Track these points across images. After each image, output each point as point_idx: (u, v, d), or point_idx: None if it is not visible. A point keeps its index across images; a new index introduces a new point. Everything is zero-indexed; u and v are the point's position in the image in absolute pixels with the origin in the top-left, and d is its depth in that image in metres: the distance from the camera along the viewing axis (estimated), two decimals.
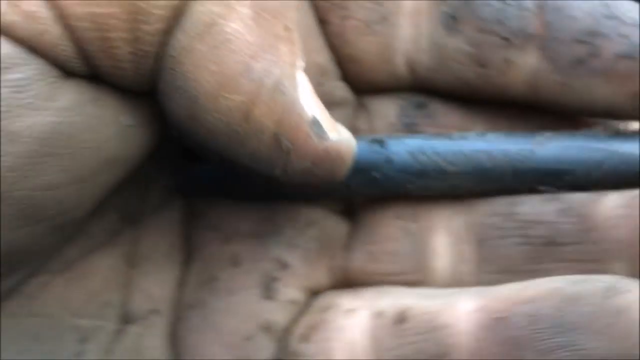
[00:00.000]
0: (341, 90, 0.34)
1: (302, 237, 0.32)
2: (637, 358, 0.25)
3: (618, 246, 0.28)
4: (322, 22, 0.33)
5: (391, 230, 0.32)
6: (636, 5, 0.31)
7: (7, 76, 0.23)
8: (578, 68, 0.30)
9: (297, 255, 0.32)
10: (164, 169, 0.33)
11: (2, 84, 0.23)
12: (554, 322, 0.26)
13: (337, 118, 0.31)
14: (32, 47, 0.24)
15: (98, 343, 0.30)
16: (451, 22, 0.32)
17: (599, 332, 0.25)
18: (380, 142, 0.31)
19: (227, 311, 0.31)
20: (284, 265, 0.31)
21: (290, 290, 0.31)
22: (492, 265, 0.30)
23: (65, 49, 0.24)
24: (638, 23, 0.30)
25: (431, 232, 0.32)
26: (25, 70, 0.24)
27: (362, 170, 0.31)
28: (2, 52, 0.23)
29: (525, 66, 0.31)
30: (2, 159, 0.24)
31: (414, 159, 0.31)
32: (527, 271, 0.29)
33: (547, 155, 0.30)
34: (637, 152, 0.30)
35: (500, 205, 0.31)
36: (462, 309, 0.27)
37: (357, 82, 0.34)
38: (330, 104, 0.31)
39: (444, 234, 0.32)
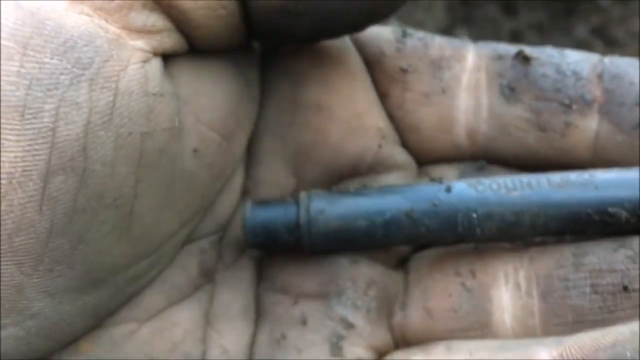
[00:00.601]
0: (401, 155, 0.35)
1: (364, 298, 0.33)
2: None
3: None
4: (383, 95, 0.35)
5: (449, 286, 0.32)
6: None
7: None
8: None
9: (361, 315, 0.33)
10: (235, 222, 0.35)
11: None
12: None
13: (398, 181, 0.34)
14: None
15: None
16: (510, 92, 0.34)
17: None
18: (439, 179, 0.32)
19: None
20: (349, 325, 0.33)
21: (357, 349, 0.32)
22: (560, 318, 0.30)
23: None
24: None
25: (492, 286, 0.32)
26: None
27: (421, 198, 0.31)
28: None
29: (587, 129, 0.33)
30: None
31: (472, 188, 0.31)
32: (598, 321, 0.30)
33: (606, 180, 0.31)
34: None
35: (565, 255, 0.31)
36: (542, 359, 0.28)
37: (417, 150, 0.35)
38: (390, 166, 0.34)
39: (507, 288, 0.32)
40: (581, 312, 0.30)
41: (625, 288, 0.30)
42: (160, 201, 0.29)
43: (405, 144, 0.35)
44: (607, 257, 0.31)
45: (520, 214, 0.31)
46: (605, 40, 1.14)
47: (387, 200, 0.32)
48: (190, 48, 0.31)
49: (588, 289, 0.30)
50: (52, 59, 0.25)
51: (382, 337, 0.33)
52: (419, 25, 1.19)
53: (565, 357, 0.27)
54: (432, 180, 0.33)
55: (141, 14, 0.28)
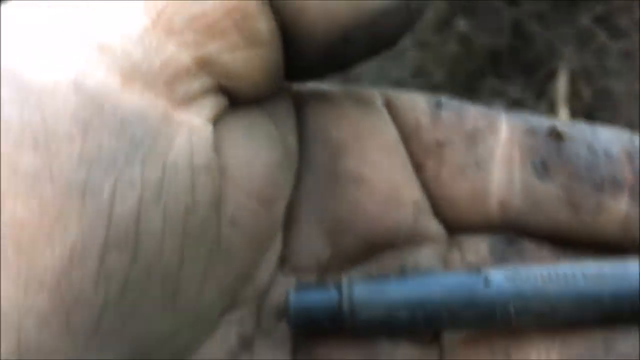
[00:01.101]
0: (435, 226, 0.36)
1: None
2: None
3: None
4: (418, 166, 0.36)
5: None
6: None
7: None
8: None
9: None
10: (274, 291, 0.35)
11: None
12: None
13: (432, 253, 0.35)
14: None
15: None
16: (542, 169, 0.35)
17: None
18: (477, 269, 0.33)
19: None
20: None
21: None
22: None
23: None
24: None
25: None
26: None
27: (461, 292, 0.33)
28: None
29: (618, 210, 0.33)
30: None
31: (509, 281, 0.32)
32: None
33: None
34: None
35: (597, 339, 0.32)
36: None
37: (450, 221, 0.36)
38: (425, 238, 0.35)
39: None
40: None
41: None
42: (202, 272, 0.30)
43: (438, 215, 0.36)
44: (636, 344, 0.32)
45: (555, 309, 0.32)
46: (608, 30, 1.14)
47: (427, 292, 0.33)
48: (232, 104, 0.31)
49: None
50: (109, 139, 0.27)
51: None
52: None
53: None
54: (469, 268, 0.34)
55: (185, 81, 0.29)
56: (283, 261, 0.35)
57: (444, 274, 0.34)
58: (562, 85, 1.17)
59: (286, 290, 0.34)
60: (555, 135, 0.35)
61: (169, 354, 0.31)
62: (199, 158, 0.29)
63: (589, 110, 1.17)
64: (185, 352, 0.32)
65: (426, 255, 0.35)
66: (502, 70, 1.21)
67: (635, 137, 0.35)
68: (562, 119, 0.34)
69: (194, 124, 0.29)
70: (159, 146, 0.28)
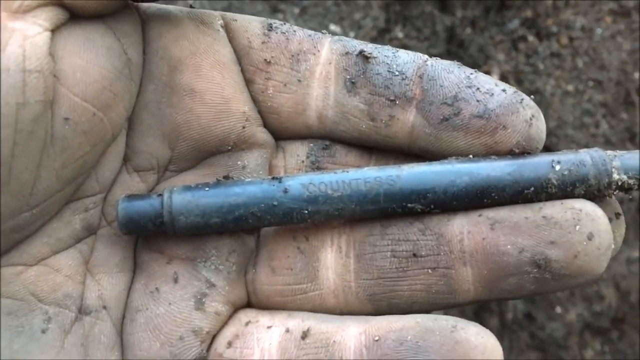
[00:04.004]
0: (262, 134, 0.42)
1: (225, 263, 0.41)
2: None
3: (463, 255, 0.37)
4: (249, 81, 0.42)
5: (288, 249, 0.41)
6: (491, 78, 0.40)
7: None
8: (444, 124, 0.39)
9: (222, 277, 0.40)
10: (118, 185, 0.41)
11: None
12: (412, 345, 0.36)
13: (259, 157, 0.42)
14: None
15: (59, 324, 0.37)
16: (351, 86, 0.41)
17: (443, 355, 0.35)
18: (278, 179, 0.39)
19: (166, 316, 0.39)
20: (211, 285, 0.40)
21: (216, 305, 0.40)
22: (368, 274, 0.39)
23: None
24: (491, 92, 0.39)
25: (320, 249, 0.40)
26: None
27: (264, 199, 0.39)
28: None
29: (406, 121, 0.40)
30: None
31: (305, 189, 0.39)
32: (395, 277, 0.39)
33: (410, 178, 0.38)
34: (482, 171, 0.38)
35: (374, 227, 0.40)
36: (350, 332, 0.37)
37: (276, 130, 0.43)
38: (252, 144, 0.41)
39: (331, 250, 0.40)
40: (383, 271, 0.38)
41: (414, 255, 0.38)
42: (37, 161, 0.34)
43: (266, 125, 0.42)
44: (404, 229, 0.39)
45: (342, 210, 0.39)
46: (537, 32, 1.18)
47: (235, 200, 0.39)
48: (74, 17, 0.35)
49: (389, 254, 0.39)
50: None
51: (239, 294, 0.41)
52: (358, 24, 1.20)
53: (366, 332, 0.36)
54: (274, 178, 0.39)
55: None
56: (126, 161, 0.41)
57: (251, 183, 0.40)
58: None
59: (116, 200, 0.40)
60: (363, 57, 0.41)
61: (9, 230, 0.36)
62: (31, 62, 0.33)
63: None
64: (26, 228, 0.37)
65: (253, 160, 0.42)
66: None
67: (430, 60, 0.41)
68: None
69: (28, 32, 0.33)
70: None
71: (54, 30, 0.34)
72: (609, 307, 1.14)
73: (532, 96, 0.39)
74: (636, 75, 1.13)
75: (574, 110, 1.14)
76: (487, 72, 1.22)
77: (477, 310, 1.12)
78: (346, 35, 1.11)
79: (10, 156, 0.33)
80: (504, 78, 1.17)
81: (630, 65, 1.14)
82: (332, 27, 1.19)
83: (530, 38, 1.18)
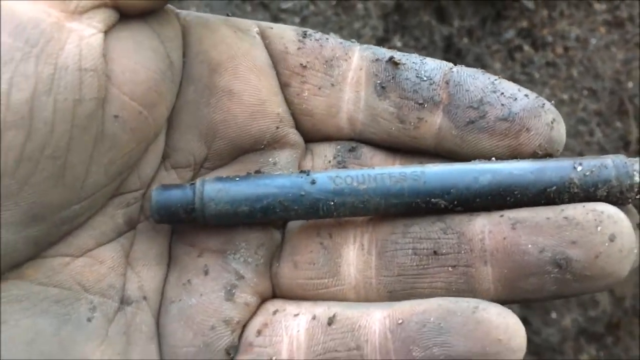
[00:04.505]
0: (294, 135, 0.44)
1: (254, 256, 0.42)
2: (489, 353, 0.35)
3: (484, 254, 0.38)
4: (285, 85, 0.44)
5: (311, 244, 0.42)
6: (514, 84, 0.42)
7: None
8: (470, 126, 0.40)
9: (250, 270, 0.41)
10: (157, 181, 0.42)
11: None
12: (434, 327, 0.36)
13: (289, 156, 0.43)
14: None
15: (104, 313, 0.39)
16: (381, 90, 0.43)
17: (465, 335, 0.36)
18: (306, 172, 0.41)
19: (198, 307, 0.40)
20: (241, 277, 0.41)
21: (245, 296, 0.41)
22: (389, 271, 0.40)
23: None
24: (515, 97, 0.40)
25: (343, 245, 0.41)
26: None
27: (291, 189, 0.40)
28: None
29: (433, 123, 0.41)
30: None
31: (331, 181, 0.40)
32: (416, 274, 0.39)
33: (434, 174, 0.39)
34: (505, 169, 0.39)
35: (397, 225, 0.41)
36: (375, 316, 0.38)
37: (309, 131, 0.44)
38: (284, 144, 0.43)
39: (354, 247, 0.41)
40: (404, 268, 0.39)
41: (435, 252, 0.39)
42: (89, 156, 0.36)
43: (298, 127, 0.44)
44: (426, 228, 0.40)
45: (367, 203, 0.39)
46: (532, 42, 1.19)
47: (264, 190, 0.40)
48: (123, 19, 0.37)
49: (410, 251, 0.39)
50: (7, 39, 0.33)
51: (265, 285, 0.42)
52: (357, 33, 1.22)
53: (390, 316, 0.37)
54: (302, 171, 0.41)
55: None
56: (165, 158, 0.43)
57: (280, 176, 0.41)
58: None
59: (151, 189, 0.41)
60: (393, 63, 0.43)
61: (60, 222, 0.37)
62: (87, 62, 0.35)
63: None
64: (75, 221, 0.38)
65: (284, 158, 0.43)
66: None
67: (455, 67, 0.42)
68: None
69: (84, 33, 0.35)
70: (51, 48, 0.34)
71: (107, 32, 0.36)
72: (604, 313, 1.14)
73: (552, 102, 0.41)
74: (630, 84, 1.15)
75: (569, 118, 1.15)
76: None
77: None
78: None
79: (66, 150, 0.35)
80: None
81: (624, 74, 1.15)
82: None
83: (526, 48, 1.19)
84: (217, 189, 0.40)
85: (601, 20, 1.16)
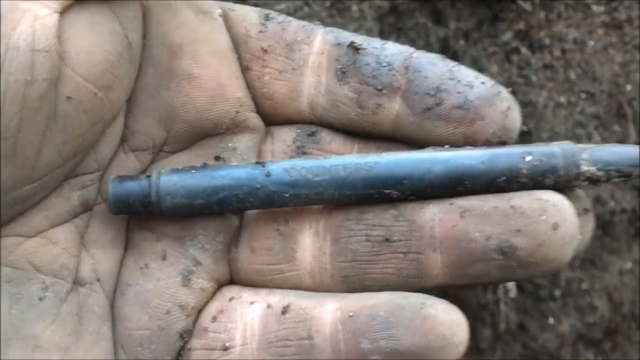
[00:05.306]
0: (254, 119, 0.45)
1: (212, 243, 0.43)
2: (434, 347, 0.36)
3: (433, 241, 0.39)
4: (245, 68, 0.44)
5: (268, 230, 0.43)
6: (472, 70, 0.43)
7: None
8: (427, 113, 0.41)
9: (208, 256, 0.42)
10: (114, 164, 0.43)
11: None
12: (383, 321, 0.37)
13: (249, 140, 0.44)
14: None
15: (56, 293, 0.39)
16: (342, 75, 0.43)
17: (412, 330, 0.37)
18: (262, 163, 0.41)
19: (155, 292, 0.41)
20: (198, 263, 0.42)
21: (202, 281, 0.42)
22: (343, 257, 0.41)
23: None
24: (471, 84, 0.41)
25: (299, 231, 0.42)
26: None
27: (247, 182, 0.40)
28: None
29: (391, 110, 0.42)
30: None
31: (286, 173, 0.40)
32: (368, 261, 0.40)
33: (388, 165, 0.40)
34: (457, 160, 0.39)
35: (351, 213, 0.42)
36: (327, 308, 0.39)
37: (269, 115, 0.45)
38: (244, 128, 0.44)
39: (309, 233, 0.42)
40: (357, 254, 0.41)
41: (387, 239, 0.40)
42: (41, 136, 0.36)
43: (259, 110, 0.45)
44: (379, 215, 0.41)
45: (321, 194, 0.40)
46: (529, 44, 1.19)
47: (220, 182, 0.40)
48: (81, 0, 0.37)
49: (363, 238, 0.40)
50: None
51: (222, 271, 0.43)
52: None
53: (342, 308, 0.38)
54: (258, 163, 0.41)
55: None
56: (124, 141, 0.43)
57: (236, 167, 0.41)
58: None
59: (109, 180, 0.41)
60: (353, 48, 0.44)
61: (12, 201, 0.37)
62: (40, 42, 0.34)
63: None
64: (28, 201, 0.38)
65: (244, 143, 0.44)
66: None
67: (415, 52, 0.42)
68: None
69: (39, 13, 0.34)
70: (4, 28, 0.33)
71: (62, 12, 0.36)
72: (602, 318, 1.14)
73: (510, 89, 0.41)
74: (628, 87, 1.14)
75: (566, 121, 1.15)
76: None
77: (471, 321, 1.12)
78: None
79: (16, 130, 0.35)
80: None
81: (622, 77, 1.15)
82: None
83: (523, 50, 1.19)
84: (173, 181, 0.40)
85: (599, 23, 1.15)
